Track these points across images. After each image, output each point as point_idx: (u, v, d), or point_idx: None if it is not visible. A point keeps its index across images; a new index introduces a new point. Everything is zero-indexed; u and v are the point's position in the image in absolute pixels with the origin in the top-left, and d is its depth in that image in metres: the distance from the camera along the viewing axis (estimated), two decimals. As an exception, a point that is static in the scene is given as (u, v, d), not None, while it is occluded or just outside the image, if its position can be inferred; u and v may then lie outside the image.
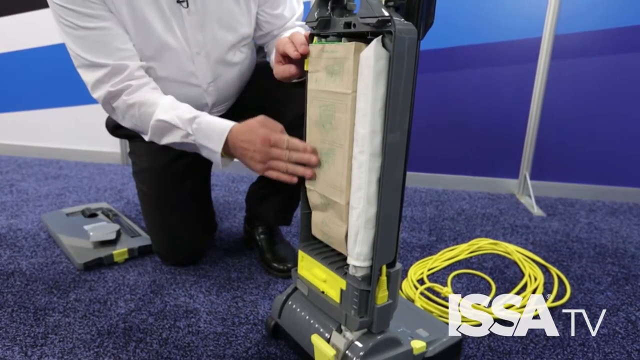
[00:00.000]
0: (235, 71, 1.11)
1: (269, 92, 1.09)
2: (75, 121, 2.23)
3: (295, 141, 0.78)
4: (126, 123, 1.00)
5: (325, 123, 0.72)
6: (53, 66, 2.16)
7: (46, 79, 2.20)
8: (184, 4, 0.96)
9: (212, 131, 0.89)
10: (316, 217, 0.81)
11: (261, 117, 0.84)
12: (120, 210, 1.57)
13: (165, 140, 0.96)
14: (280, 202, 1.20)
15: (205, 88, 1.08)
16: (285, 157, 0.79)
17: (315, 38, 0.74)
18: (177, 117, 0.91)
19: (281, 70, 0.81)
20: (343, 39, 0.69)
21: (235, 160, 0.92)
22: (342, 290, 0.73)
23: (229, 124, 0.89)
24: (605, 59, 1.73)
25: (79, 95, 2.18)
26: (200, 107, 1.11)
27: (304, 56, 0.74)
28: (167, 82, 1.02)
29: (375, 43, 0.61)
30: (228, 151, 0.90)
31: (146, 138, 0.98)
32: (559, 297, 1.11)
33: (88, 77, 0.96)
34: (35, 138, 2.32)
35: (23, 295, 1.05)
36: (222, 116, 1.18)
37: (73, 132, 2.26)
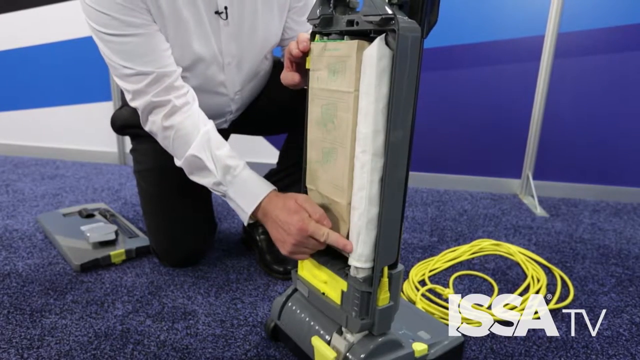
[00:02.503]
0: (259, 78, 1.13)
1: (281, 93, 1.09)
2: (72, 120, 2.22)
3: (335, 237, 0.72)
4: (158, 139, 0.96)
5: (326, 122, 0.71)
6: (50, 64, 2.14)
7: (43, 77, 2.19)
8: (223, 15, 0.94)
9: (247, 190, 0.85)
10: (317, 217, 0.79)
11: (302, 199, 0.77)
12: (117, 211, 1.56)
13: (194, 178, 0.92)
14: None
15: (232, 97, 1.09)
16: (321, 247, 0.75)
17: (317, 36, 0.73)
18: (213, 159, 0.87)
19: (283, 77, 0.80)
20: (345, 37, 0.68)
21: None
22: (342, 292, 0.72)
23: (265, 188, 0.85)
24: (609, 57, 1.72)
25: (76, 94, 2.16)
26: (224, 114, 1.13)
27: (305, 54, 0.73)
28: (195, 91, 1.01)
29: (379, 41, 0.60)
30: (257, 216, 0.85)
31: (177, 163, 0.94)
32: (562, 298, 1.10)
33: (129, 86, 0.91)
34: (31, 137, 2.30)
35: (19, 296, 1.04)
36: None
37: (70, 132, 2.24)
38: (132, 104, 0.93)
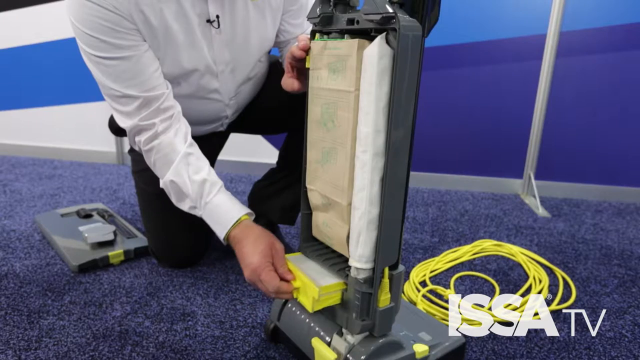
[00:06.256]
0: (254, 82, 1.12)
1: (279, 93, 1.09)
2: (70, 120, 2.21)
3: (283, 287, 0.75)
4: (145, 159, 0.97)
5: (327, 121, 0.71)
6: (47, 63, 2.13)
7: (40, 76, 2.18)
8: (215, 23, 0.94)
9: (219, 216, 0.88)
10: (317, 217, 0.79)
11: (267, 244, 0.79)
12: (115, 211, 1.55)
13: (174, 202, 0.94)
14: (289, 199, 1.19)
15: (227, 103, 1.09)
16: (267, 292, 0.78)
17: (317, 35, 0.72)
18: (189, 183, 0.89)
19: (284, 82, 0.81)
20: (346, 35, 0.67)
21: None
22: (314, 299, 0.71)
23: (235, 214, 0.86)
24: (611, 56, 1.72)
25: (73, 93, 2.15)
26: (219, 119, 1.12)
27: (305, 52, 0.73)
28: (190, 98, 1.01)
29: (379, 40, 0.60)
30: (229, 241, 0.88)
31: (161, 184, 0.95)
32: (564, 299, 1.10)
33: (118, 107, 0.92)
34: (29, 137, 2.29)
35: (17, 297, 1.03)
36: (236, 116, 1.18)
37: (68, 131, 2.23)
38: (120, 124, 0.94)
